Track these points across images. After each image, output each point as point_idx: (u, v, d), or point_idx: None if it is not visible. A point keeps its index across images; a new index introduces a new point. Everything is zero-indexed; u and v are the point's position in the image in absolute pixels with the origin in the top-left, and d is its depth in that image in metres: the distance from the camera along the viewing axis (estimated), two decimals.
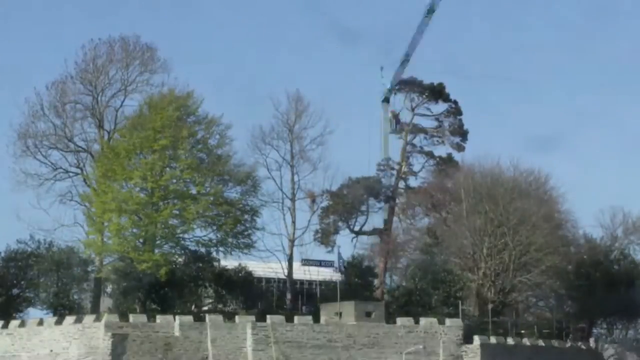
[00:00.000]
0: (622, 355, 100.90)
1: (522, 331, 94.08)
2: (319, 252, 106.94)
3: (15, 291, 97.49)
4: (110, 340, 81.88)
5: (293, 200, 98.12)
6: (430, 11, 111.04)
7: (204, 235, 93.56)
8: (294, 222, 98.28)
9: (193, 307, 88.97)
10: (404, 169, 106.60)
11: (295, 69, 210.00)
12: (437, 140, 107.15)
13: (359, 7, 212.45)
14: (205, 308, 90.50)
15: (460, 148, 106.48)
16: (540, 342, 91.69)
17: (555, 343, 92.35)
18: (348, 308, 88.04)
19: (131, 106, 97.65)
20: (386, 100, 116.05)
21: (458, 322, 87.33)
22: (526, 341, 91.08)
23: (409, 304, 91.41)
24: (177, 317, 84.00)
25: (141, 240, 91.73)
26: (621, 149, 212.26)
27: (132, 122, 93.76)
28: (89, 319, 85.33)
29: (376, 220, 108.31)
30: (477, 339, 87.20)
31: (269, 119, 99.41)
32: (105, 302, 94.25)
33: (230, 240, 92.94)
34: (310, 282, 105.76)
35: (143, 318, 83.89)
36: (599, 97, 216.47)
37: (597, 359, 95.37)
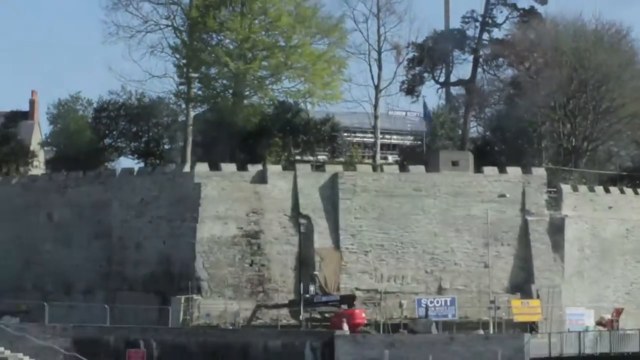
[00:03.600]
0: None
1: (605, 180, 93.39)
2: (405, 103, 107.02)
3: (107, 141, 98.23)
4: (200, 189, 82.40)
5: (379, 52, 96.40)
6: None
7: (292, 86, 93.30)
8: (380, 74, 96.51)
9: (282, 157, 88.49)
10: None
11: None
12: None
13: None
14: (294, 158, 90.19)
15: (543, 1, 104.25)
16: (619, 190, 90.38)
17: (635, 191, 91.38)
18: (434, 157, 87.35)
19: None
20: None
21: (541, 171, 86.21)
22: (609, 190, 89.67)
23: (493, 153, 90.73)
24: (265, 166, 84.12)
25: (231, 91, 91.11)
26: None
27: None
28: (179, 168, 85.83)
29: (461, 72, 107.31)
30: (560, 187, 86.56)
31: None
32: (195, 152, 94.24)
33: (317, 91, 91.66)
34: (396, 132, 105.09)
35: (233, 167, 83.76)
36: None
37: None
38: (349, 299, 78.09)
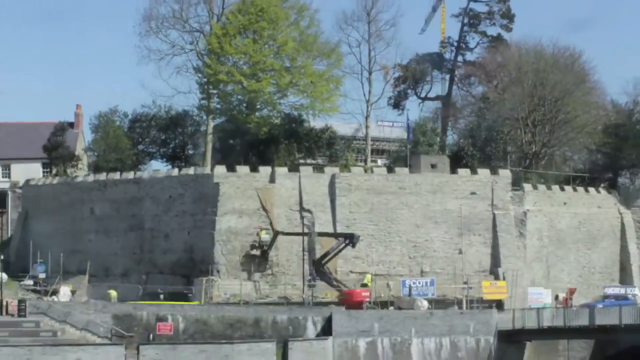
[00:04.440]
0: None
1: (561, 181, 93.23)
2: (392, 115, 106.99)
3: (140, 147, 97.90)
4: (219, 187, 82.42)
5: (370, 72, 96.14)
6: None
7: (297, 101, 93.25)
8: (370, 90, 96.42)
9: (287, 160, 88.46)
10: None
11: None
12: (489, 22, 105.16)
13: None
14: (298, 161, 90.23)
15: (508, 29, 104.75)
16: (572, 188, 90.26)
17: (585, 189, 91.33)
18: (416, 160, 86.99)
19: None
20: None
21: (507, 172, 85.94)
22: (564, 188, 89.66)
23: (466, 157, 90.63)
24: (274, 168, 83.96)
25: (244, 104, 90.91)
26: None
27: (237, 7, 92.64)
28: (201, 170, 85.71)
29: (439, 88, 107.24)
30: (523, 186, 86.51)
31: (351, 4, 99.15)
32: (215, 156, 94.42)
33: (317, 104, 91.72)
34: (384, 140, 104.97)
35: (246, 169, 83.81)
36: None
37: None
38: (350, 236, 78.47)
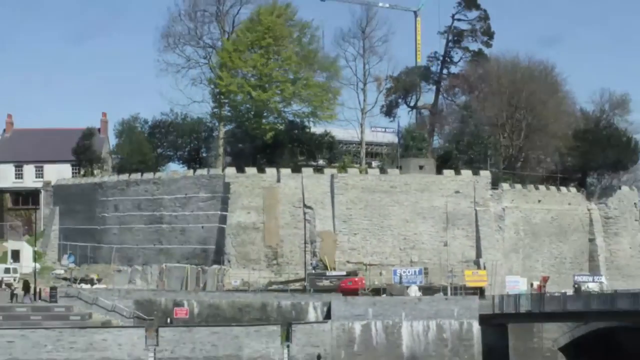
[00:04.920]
0: None
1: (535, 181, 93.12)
2: (384, 122, 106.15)
3: (159, 151, 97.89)
4: (229, 186, 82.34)
5: (364, 83, 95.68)
6: None
7: (299, 109, 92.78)
8: (365, 99, 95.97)
9: (290, 162, 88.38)
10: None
11: None
12: (471, 39, 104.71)
13: None
14: (300, 163, 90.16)
15: (488, 45, 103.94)
16: (546, 187, 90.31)
17: (557, 188, 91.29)
18: (406, 163, 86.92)
19: (245, 14, 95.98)
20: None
21: (487, 173, 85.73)
22: (537, 187, 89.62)
23: (450, 160, 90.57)
24: (278, 169, 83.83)
25: (252, 112, 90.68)
26: (609, 46, 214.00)
27: (246, 26, 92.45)
28: (214, 171, 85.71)
29: (426, 98, 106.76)
30: (501, 186, 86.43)
31: (347, 23, 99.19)
32: (226, 159, 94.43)
33: (318, 112, 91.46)
34: (377, 144, 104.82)
35: (254, 170, 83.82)
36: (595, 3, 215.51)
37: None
38: (353, 274, 78.49)
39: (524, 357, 69.34)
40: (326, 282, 76.65)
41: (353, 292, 73.37)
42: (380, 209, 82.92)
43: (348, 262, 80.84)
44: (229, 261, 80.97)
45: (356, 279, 76.13)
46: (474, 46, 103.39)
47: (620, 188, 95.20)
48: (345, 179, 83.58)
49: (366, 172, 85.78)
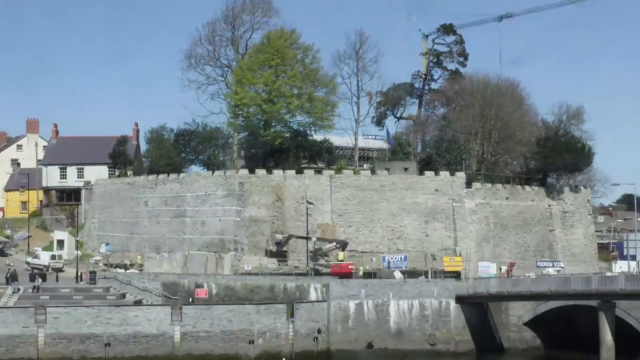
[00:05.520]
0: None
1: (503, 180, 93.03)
2: (374, 130, 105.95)
3: (183, 155, 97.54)
4: (243, 186, 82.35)
5: (358, 97, 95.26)
6: None
7: (302, 120, 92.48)
8: (358, 111, 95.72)
9: (295, 165, 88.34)
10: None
11: (363, 22, 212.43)
12: (449, 60, 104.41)
13: None
14: (303, 166, 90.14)
15: (463, 65, 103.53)
16: (512, 186, 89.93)
17: (522, 187, 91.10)
18: (393, 165, 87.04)
19: (256, 38, 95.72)
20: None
21: (462, 174, 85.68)
22: (505, 186, 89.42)
23: (431, 163, 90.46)
24: (284, 171, 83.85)
25: (263, 122, 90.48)
26: (566, 66, 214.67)
27: (257, 48, 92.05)
28: (229, 172, 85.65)
29: (411, 110, 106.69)
30: (474, 185, 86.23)
31: (343, 46, 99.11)
32: (240, 162, 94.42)
33: (318, 122, 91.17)
34: (368, 149, 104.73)
35: (263, 172, 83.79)
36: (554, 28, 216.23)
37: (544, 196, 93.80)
38: (343, 243, 79.04)
39: (493, 331, 69.37)
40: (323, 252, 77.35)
41: (343, 275, 73.20)
42: (371, 204, 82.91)
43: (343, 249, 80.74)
44: (242, 249, 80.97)
45: (343, 265, 76.16)
46: (451, 66, 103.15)
47: (575, 187, 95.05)
48: (341, 179, 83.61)
49: (359, 173, 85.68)
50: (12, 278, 72.14)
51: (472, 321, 68.86)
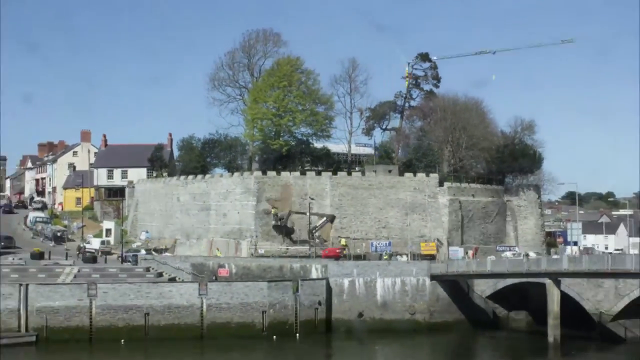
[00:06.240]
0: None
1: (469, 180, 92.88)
2: (364, 139, 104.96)
3: (208, 160, 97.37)
4: (257, 184, 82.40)
5: (351, 112, 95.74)
6: None
7: (305, 131, 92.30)
8: (351, 124, 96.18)
9: (299, 168, 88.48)
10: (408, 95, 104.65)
11: (355, 50, 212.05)
12: (425, 82, 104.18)
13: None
14: (306, 168, 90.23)
15: (436, 86, 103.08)
16: (477, 185, 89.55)
17: (485, 186, 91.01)
18: (379, 168, 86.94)
19: (268, 64, 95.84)
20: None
21: (435, 175, 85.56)
22: (471, 185, 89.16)
23: (411, 166, 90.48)
24: (291, 172, 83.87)
25: (273, 133, 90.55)
26: (521, 86, 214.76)
27: (269, 73, 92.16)
28: (246, 174, 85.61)
29: (394, 123, 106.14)
30: (445, 184, 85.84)
31: (338, 70, 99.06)
32: (254, 165, 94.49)
33: (318, 133, 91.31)
34: (360, 155, 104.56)
35: (273, 173, 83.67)
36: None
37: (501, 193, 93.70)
38: (331, 217, 79.40)
39: (461, 303, 69.66)
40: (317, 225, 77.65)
41: (332, 257, 73.17)
42: (362, 200, 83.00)
43: (339, 237, 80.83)
44: (257, 236, 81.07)
45: (331, 248, 76.26)
46: (427, 87, 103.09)
47: (528, 186, 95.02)
48: (337, 179, 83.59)
49: (352, 175, 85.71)
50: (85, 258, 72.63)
51: (444, 295, 69.19)
